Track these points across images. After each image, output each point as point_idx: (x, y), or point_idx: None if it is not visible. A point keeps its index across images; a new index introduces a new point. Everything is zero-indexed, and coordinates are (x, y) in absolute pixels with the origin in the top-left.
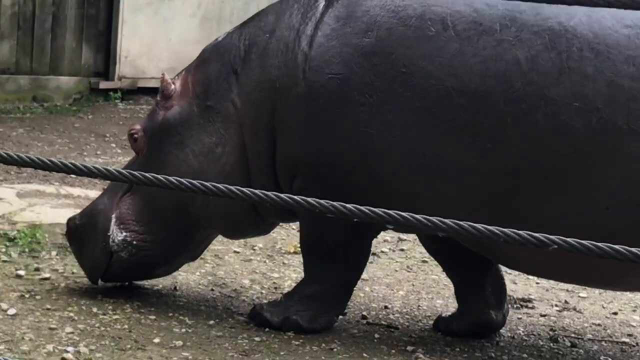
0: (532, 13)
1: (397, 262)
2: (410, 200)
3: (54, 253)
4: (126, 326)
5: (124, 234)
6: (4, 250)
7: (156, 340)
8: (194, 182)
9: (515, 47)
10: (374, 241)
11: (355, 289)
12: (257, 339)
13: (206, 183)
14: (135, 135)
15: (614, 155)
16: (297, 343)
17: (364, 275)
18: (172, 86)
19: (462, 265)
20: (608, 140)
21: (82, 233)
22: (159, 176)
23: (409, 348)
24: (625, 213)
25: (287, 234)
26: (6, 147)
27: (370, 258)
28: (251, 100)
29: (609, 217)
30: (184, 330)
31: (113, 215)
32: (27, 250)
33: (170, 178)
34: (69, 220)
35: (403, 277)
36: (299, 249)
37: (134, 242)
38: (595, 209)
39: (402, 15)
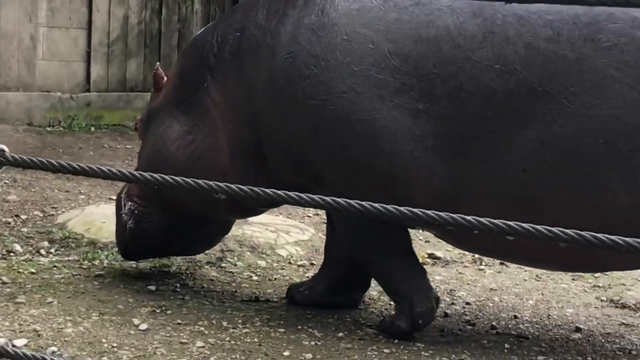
0: None
1: (526, 271)
2: (355, 172)
3: (183, 268)
4: (256, 339)
5: (129, 203)
6: (134, 265)
7: (286, 353)
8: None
9: (446, 15)
10: None
11: (484, 298)
12: (386, 350)
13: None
14: (137, 125)
15: (529, 117)
16: (426, 354)
17: (492, 285)
18: (164, 78)
19: None
20: (523, 102)
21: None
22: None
23: (540, 358)
24: (541, 175)
25: (414, 244)
26: (135, 164)
27: (499, 267)
28: (232, 97)
29: (527, 180)
30: (313, 342)
31: (125, 189)
32: (157, 265)
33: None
34: None
35: (532, 286)
36: (427, 260)
37: (136, 211)
38: (514, 171)
39: None
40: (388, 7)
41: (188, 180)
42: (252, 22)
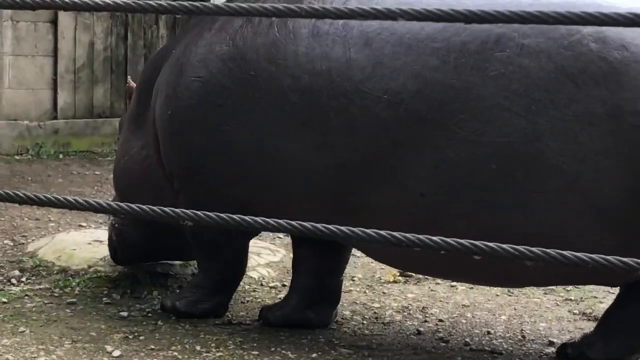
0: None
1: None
2: (266, 198)
3: (155, 293)
4: None
5: (112, 218)
6: (106, 292)
7: None
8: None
9: (339, 46)
10: None
11: (456, 315)
12: None
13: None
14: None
15: (422, 144)
16: None
17: (464, 301)
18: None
19: None
20: (415, 130)
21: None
22: (181, 210)
23: None
24: (439, 199)
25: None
26: (104, 190)
27: (471, 284)
28: (158, 110)
29: (425, 203)
30: None
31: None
32: (129, 291)
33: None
34: None
35: (504, 301)
36: (399, 278)
37: (116, 225)
38: (413, 195)
39: (256, 24)
40: (288, 40)
41: (154, 208)
42: (183, 41)
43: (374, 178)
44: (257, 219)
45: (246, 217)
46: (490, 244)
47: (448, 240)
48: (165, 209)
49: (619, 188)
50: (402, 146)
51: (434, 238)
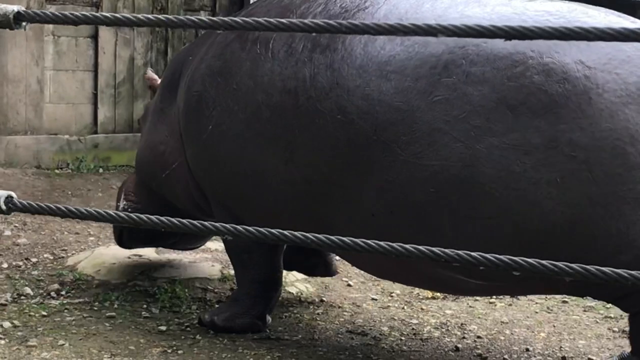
0: (331, 35)
1: (537, 303)
2: (246, 205)
3: (194, 307)
4: None
5: (124, 202)
6: (145, 306)
7: None
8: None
9: (306, 66)
10: None
11: (495, 331)
12: None
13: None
14: (139, 121)
15: (370, 165)
16: None
17: (503, 318)
18: (154, 81)
19: None
20: (364, 150)
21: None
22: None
23: None
24: (386, 220)
25: None
26: None
27: (510, 300)
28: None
29: (376, 223)
30: None
31: (124, 188)
32: (167, 305)
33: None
34: None
35: (543, 318)
36: (437, 294)
37: (128, 210)
38: (365, 215)
39: (244, 39)
40: (266, 58)
41: (194, 222)
42: (198, 51)
43: (333, 196)
44: (292, 233)
45: (278, 231)
46: (530, 260)
47: (487, 255)
48: (205, 223)
49: (548, 220)
50: (354, 166)
51: (474, 254)
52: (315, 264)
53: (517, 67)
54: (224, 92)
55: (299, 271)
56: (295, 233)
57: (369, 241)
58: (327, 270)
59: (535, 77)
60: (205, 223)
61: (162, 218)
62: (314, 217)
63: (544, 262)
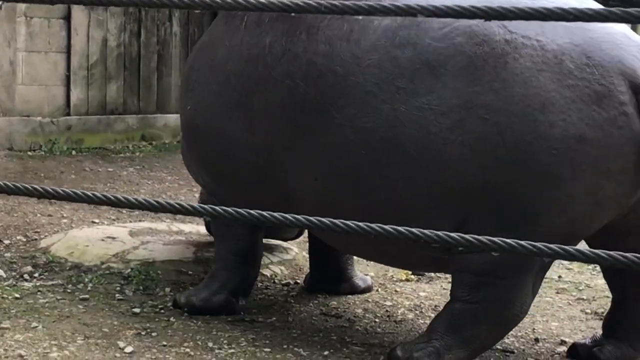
0: None
1: None
2: (219, 174)
3: (167, 290)
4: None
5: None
6: (118, 288)
7: None
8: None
9: (268, 35)
10: None
11: None
12: None
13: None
14: None
15: (312, 129)
16: None
17: None
18: None
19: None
20: (306, 114)
21: None
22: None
23: None
24: (328, 183)
25: None
26: (117, 187)
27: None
28: None
29: (319, 187)
30: None
31: None
32: (141, 288)
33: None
34: None
35: None
36: (411, 277)
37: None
38: (310, 179)
39: (227, 15)
40: (240, 29)
41: (172, 203)
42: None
43: (287, 162)
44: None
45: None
46: (508, 241)
47: (465, 236)
48: (183, 204)
49: (463, 181)
50: (301, 130)
51: (452, 234)
52: (338, 285)
53: (442, 29)
54: (204, 65)
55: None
56: (275, 214)
57: (349, 222)
58: (353, 290)
59: (457, 39)
60: (184, 204)
61: (133, 198)
62: (277, 185)
63: (522, 242)
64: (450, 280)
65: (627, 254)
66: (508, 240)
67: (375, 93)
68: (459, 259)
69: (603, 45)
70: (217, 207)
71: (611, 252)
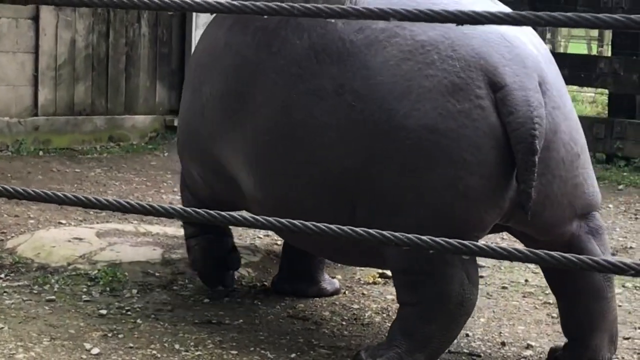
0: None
1: None
2: (211, 164)
3: (134, 291)
4: None
5: None
6: (85, 290)
7: None
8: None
9: (222, 29)
10: None
11: None
12: None
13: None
14: None
15: (236, 117)
16: None
17: None
18: None
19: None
20: (232, 103)
21: None
22: (235, 214)
23: None
24: (248, 171)
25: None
26: (84, 188)
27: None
28: None
29: (245, 177)
30: None
31: None
32: (108, 289)
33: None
34: None
35: (483, 304)
36: (379, 280)
37: None
38: (240, 168)
39: (218, 19)
40: (209, 25)
41: (132, 203)
42: None
43: (223, 151)
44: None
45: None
46: (479, 244)
47: (436, 239)
48: (154, 205)
49: (341, 166)
50: (232, 116)
51: (424, 237)
52: (306, 288)
53: None
54: (198, 67)
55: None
56: (234, 214)
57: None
58: (321, 294)
59: (340, 25)
60: (154, 205)
61: (103, 199)
62: (226, 177)
63: (491, 245)
64: None
65: (567, 255)
66: (479, 244)
67: (276, 80)
68: (387, 259)
69: (473, 41)
70: (186, 209)
71: (552, 253)
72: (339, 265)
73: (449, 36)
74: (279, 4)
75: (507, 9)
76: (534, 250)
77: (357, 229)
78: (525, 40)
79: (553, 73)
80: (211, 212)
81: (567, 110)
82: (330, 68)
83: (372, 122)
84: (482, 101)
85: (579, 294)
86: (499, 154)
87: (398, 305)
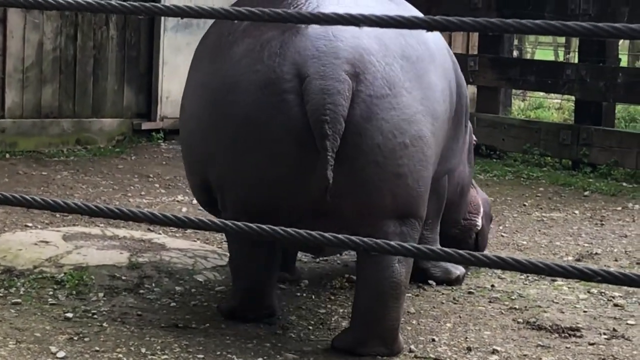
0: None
1: (443, 294)
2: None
3: (101, 295)
4: None
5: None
6: (51, 293)
7: None
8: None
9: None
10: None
11: (401, 321)
12: None
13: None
14: None
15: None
16: None
17: (410, 308)
18: None
19: None
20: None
21: None
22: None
23: None
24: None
25: (332, 269)
26: (51, 191)
27: (416, 291)
28: None
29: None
30: None
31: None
32: (74, 292)
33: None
34: None
35: (449, 309)
36: (346, 284)
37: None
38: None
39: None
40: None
41: (112, 208)
42: None
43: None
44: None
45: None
46: (449, 250)
47: (405, 245)
48: (122, 208)
49: (200, 149)
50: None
51: (392, 243)
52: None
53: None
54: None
55: None
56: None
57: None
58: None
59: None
60: (122, 209)
61: (72, 202)
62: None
63: (462, 251)
64: None
65: (534, 260)
66: (448, 250)
67: (191, 74)
68: None
69: (300, 39)
70: (153, 212)
71: (513, 256)
72: (306, 270)
73: (283, 35)
74: (249, 8)
75: (415, 12)
76: (501, 256)
77: (326, 234)
78: (362, 35)
79: (394, 66)
80: (179, 216)
81: (400, 101)
82: (203, 62)
83: (207, 112)
84: (287, 95)
85: None
86: (303, 143)
87: None
